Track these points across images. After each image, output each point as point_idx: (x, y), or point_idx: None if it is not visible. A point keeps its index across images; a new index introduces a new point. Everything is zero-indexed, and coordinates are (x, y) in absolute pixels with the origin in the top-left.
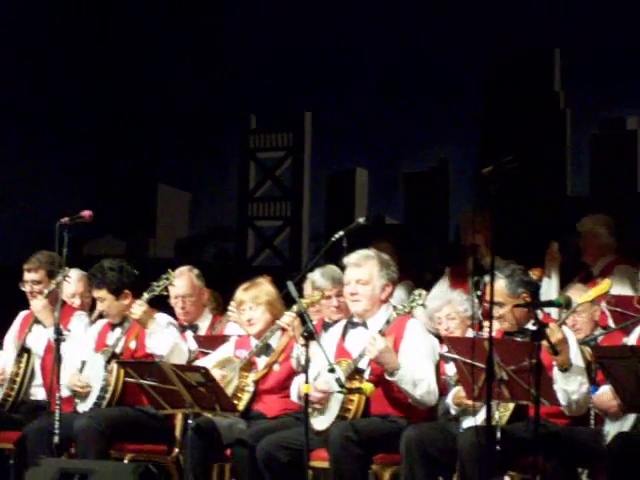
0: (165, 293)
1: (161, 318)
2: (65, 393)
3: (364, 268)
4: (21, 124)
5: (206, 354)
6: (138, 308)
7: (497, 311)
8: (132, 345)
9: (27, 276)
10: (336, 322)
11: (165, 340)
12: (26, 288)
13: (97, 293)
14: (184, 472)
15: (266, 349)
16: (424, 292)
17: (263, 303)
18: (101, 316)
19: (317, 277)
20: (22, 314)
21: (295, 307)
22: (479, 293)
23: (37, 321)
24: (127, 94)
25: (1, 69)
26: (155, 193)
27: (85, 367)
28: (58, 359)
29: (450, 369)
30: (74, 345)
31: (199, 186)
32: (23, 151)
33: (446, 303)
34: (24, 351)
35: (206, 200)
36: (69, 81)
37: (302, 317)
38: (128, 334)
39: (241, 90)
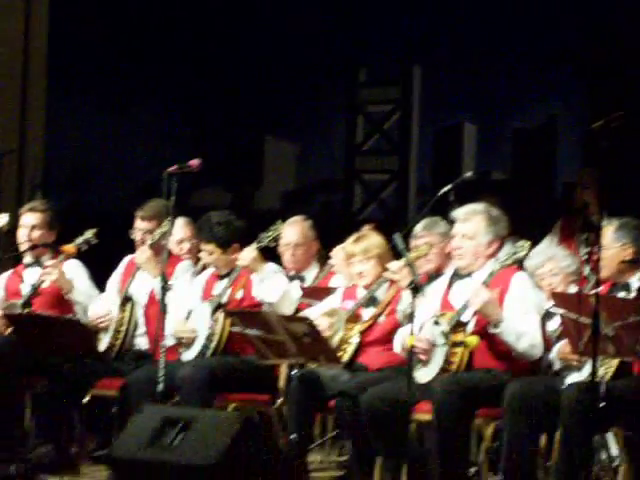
0: (273, 244)
1: (270, 267)
2: (170, 342)
3: (470, 223)
4: (130, 73)
5: (309, 305)
6: (247, 254)
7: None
8: (239, 295)
9: (139, 224)
10: (438, 275)
11: (275, 287)
12: (136, 236)
13: (205, 246)
14: (287, 422)
15: (372, 301)
16: (527, 243)
17: (374, 256)
18: (206, 266)
19: (418, 229)
20: (126, 259)
21: (402, 260)
22: (588, 249)
23: (140, 268)
24: (237, 46)
25: (106, 18)
26: (262, 145)
27: (191, 316)
28: (164, 308)
29: (552, 325)
30: (180, 294)
31: (306, 138)
32: (134, 100)
33: (548, 259)
34: (127, 299)
35: (313, 152)
36: (179, 31)
37: (409, 269)
38: (235, 284)
39: (350, 43)
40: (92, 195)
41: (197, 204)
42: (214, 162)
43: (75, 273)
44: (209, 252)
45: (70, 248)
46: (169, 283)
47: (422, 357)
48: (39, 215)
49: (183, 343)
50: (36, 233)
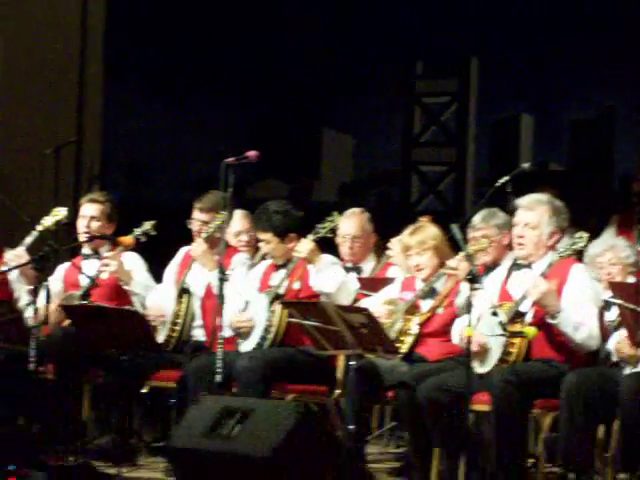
0: (329, 235)
1: (327, 258)
2: (227, 333)
3: (534, 212)
4: (188, 66)
5: (367, 295)
6: (305, 246)
7: None
8: (296, 286)
9: (197, 215)
10: (495, 266)
11: (333, 277)
12: (194, 227)
13: (262, 235)
14: (345, 413)
15: (431, 293)
16: (586, 235)
17: (430, 248)
18: (264, 257)
19: (476, 220)
20: (183, 251)
21: (461, 252)
22: None
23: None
24: (296, 39)
25: (163, 11)
26: (320, 137)
27: (248, 307)
28: (221, 299)
29: (610, 315)
30: (237, 285)
31: (364, 130)
32: (192, 93)
33: (609, 248)
34: (184, 291)
35: (370, 144)
36: (238, 25)
37: (467, 261)
38: (292, 275)
39: (408, 36)
40: (150, 187)
41: (255, 196)
42: (272, 154)
43: (133, 265)
44: (266, 241)
45: (128, 240)
46: (226, 274)
47: (476, 349)
48: (99, 206)
49: (241, 334)
50: (95, 224)
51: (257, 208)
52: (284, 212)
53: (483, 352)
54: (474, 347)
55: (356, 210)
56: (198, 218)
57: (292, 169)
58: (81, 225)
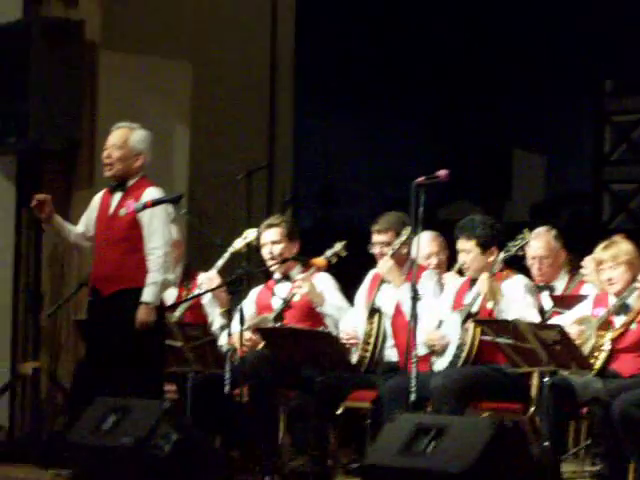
0: (521, 253)
1: (515, 283)
2: (421, 351)
3: None
4: (379, 89)
5: (560, 313)
6: (483, 282)
7: None
8: (489, 305)
9: (376, 238)
10: None
11: (513, 308)
12: (375, 250)
13: (464, 244)
14: (540, 430)
15: (624, 308)
16: None
17: (623, 262)
18: (460, 272)
19: None
20: (371, 273)
21: None
22: None
23: (385, 281)
24: (482, 61)
25: (351, 35)
26: (510, 158)
27: (442, 326)
28: (414, 317)
29: None
30: (428, 303)
31: (554, 150)
32: (383, 116)
33: None
34: (374, 311)
35: (561, 164)
36: (427, 48)
37: None
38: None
39: (596, 55)
40: (340, 210)
41: (446, 218)
42: (463, 176)
43: (325, 286)
44: (467, 251)
45: (320, 261)
46: (418, 293)
47: None
48: (277, 229)
49: (435, 351)
50: (277, 247)
51: (448, 231)
52: (490, 224)
53: None
54: None
55: (541, 230)
56: (377, 240)
57: (483, 190)
58: (265, 252)
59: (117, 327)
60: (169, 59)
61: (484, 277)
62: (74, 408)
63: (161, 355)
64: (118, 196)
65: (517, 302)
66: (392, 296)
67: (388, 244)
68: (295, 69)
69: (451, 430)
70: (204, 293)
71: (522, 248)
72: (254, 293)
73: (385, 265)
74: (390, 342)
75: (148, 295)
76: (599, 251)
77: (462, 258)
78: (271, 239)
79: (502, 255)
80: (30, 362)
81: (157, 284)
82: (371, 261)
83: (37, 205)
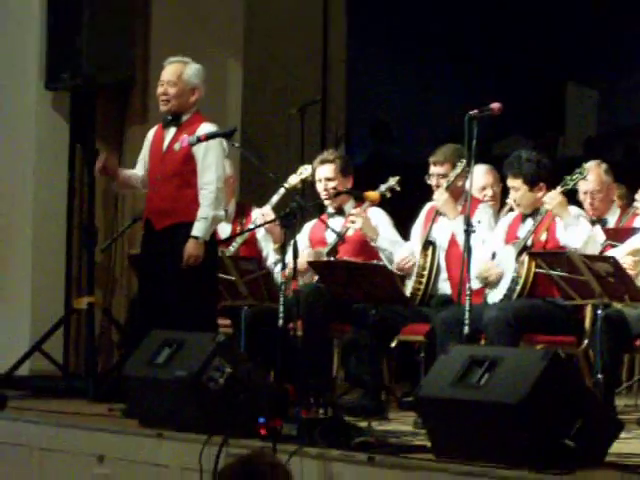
0: (577, 188)
1: (573, 210)
2: (475, 285)
3: None
4: (429, 23)
5: (614, 246)
6: (553, 198)
7: None
8: (543, 237)
9: (433, 169)
10: None
11: (580, 231)
12: (432, 181)
13: (512, 182)
14: (593, 363)
15: None
16: None
17: None
18: (511, 209)
19: None
20: (427, 206)
21: None
22: None
23: (440, 213)
24: None
25: None
26: (564, 92)
27: (495, 259)
28: (468, 250)
29: None
30: (482, 236)
31: (607, 84)
32: (433, 50)
33: None
34: (429, 244)
35: (614, 98)
36: None
37: None
38: (539, 226)
39: None
40: (394, 145)
41: (499, 153)
42: (516, 110)
43: (379, 220)
44: (516, 188)
45: (374, 195)
46: (472, 226)
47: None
48: (330, 165)
49: (489, 283)
50: (331, 184)
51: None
52: (536, 161)
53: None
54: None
55: (592, 164)
56: (434, 172)
57: (537, 124)
58: (319, 188)
59: (170, 261)
60: None
61: (553, 194)
62: (128, 343)
63: (215, 289)
64: (172, 131)
65: (580, 227)
66: (447, 229)
67: (444, 176)
68: (347, 5)
69: (504, 362)
70: (258, 227)
71: (578, 182)
72: (308, 227)
73: (441, 197)
74: (444, 275)
75: (198, 230)
76: None
77: (512, 195)
78: (325, 175)
79: (559, 189)
80: (84, 297)
81: (207, 219)
82: (425, 196)
83: (102, 169)
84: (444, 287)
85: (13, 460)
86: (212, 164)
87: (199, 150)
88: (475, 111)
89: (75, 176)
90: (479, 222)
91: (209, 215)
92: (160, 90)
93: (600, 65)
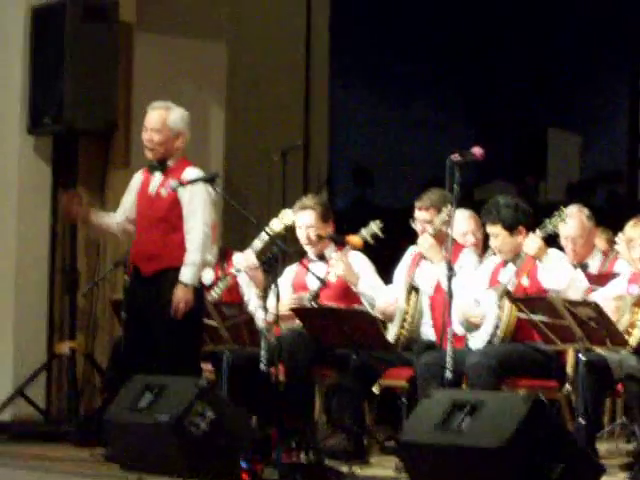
0: (557, 231)
1: (554, 253)
2: (458, 329)
3: None
4: (411, 69)
5: (594, 290)
6: (532, 242)
7: None
8: (524, 282)
9: (418, 214)
10: None
11: (562, 274)
12: (417, 226)
13: (491, 229)
14: (575, 408)
15: None
16: None
17: None
18: (494, 253)
19: None
20: (411, 249)
21: None
22: None
23: (424, 257)
24: (518, 41)
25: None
26: (545, 137)
27: (478, 303)
28: (450, 294)
29: None
30: (465, 281)
31: (589, 129)
32: (416, 95)
33: None
34: (413, 289)
35: (596, 143)
36: (457, 27)
37: None
38: (520, 271)
39: (632, 32)
40: (376, 190)
41: (482, 198)
42: (497, 155)
43: (360, 265)
44: (495, 234)
45: (355, 239)
46: (454, 270)
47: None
48: (310, 212)
49: (471, 327)
50: (312, 230)
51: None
52: (514, 205)
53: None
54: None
55: (573, 209)
56: (420, 217)
57: (519, 169)
58: (300, 234)
59: (157, 306)
60: (204, 40)
61: (532, 238)
62: (111, 387)
63: (200, 333)
64: (158, 176)
65: (562, 269)
66: (431, 274)
67: (430, 221)
68: (330, 50)
69: (486, 406)
70: (241, 271)
71: (557, 225)
72: (290, 271)
73: (426, 242)
74: (427, 320)
75: (186, 275)
76: (629, 229)
77: (492, 243)
78: (305, 222)
79: (539, 233)
80: (66, 342)
81: (195, 264)
82: (408, 240)
83: (68, 209)
84: (427, 332)
85: None
86: (198, 209)
87: (184, 195)
88: (457, 156)
89: (57, 220)
90: (461, 267)
91: (196, 260)
92: (145, 136)
93: (582, 110)
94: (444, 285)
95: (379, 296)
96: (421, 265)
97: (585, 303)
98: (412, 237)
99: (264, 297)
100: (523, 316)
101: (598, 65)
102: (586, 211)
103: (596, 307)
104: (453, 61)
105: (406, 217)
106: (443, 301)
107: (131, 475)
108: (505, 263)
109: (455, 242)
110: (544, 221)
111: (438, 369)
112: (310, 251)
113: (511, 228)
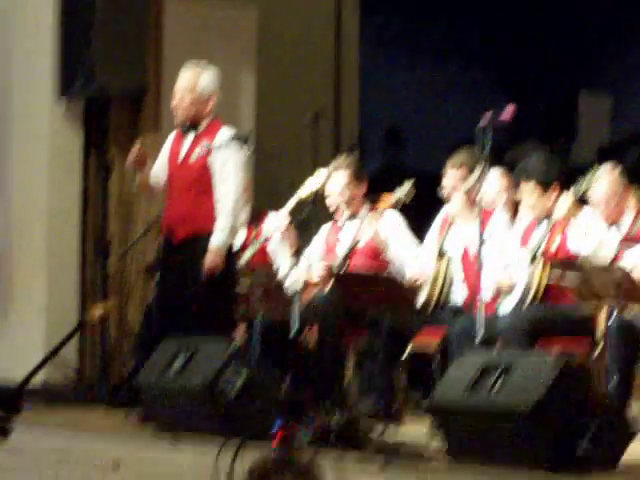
0: (591, 190)
1: (586, 214)
2: (487, 296)
3: None
4: (443, 28)
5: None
6: (564, 204)
7: None
8: (556, 242)
9: (450, 173)
10: None
11: (591, 237)
12: (445, 190)
13: (524, 187)
14: (607, 369)
15: None
16: None
17: None
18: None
19: None
20: (442, 212)
21: None
22: None
23: (454, 223)
24: (547, 4)
25: None
26: (576, 99)
27: (510, 265)
28: (481, 258)
29: None
30: (496, 243)
31: (620, 91)
32: (448, 56)
33: None
34: (443, 253)
35: (627, 105)
36: None
37: None
38: (552, 231)
39: None
40: (407, 152)
41: (511, 160)
42: (529, 116)
43: (394, 224)
44: (529, 192)
45: (389, 199)
46: (485, 233)
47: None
48: (344, 171)
49: (502, 291)
50: (345, 189)
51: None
52: (547, 162)
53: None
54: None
55: (606, 169)
56: (451, 175)
57: (550, 131)
58: (334, 193)
59: (190, 272)
60: (234, 2)
61: (564, 199)
62: (142, 350)
63: (233, 298)
64: (191, 138)
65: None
66: (461, 237)
67: (462, 180)
68: (361, 9)
69: (517, 368)
70: (274, 231)
71: (591, 184)
72: (323, 231)
73: (456, 203)
74: (458, 283)
75: (217, 241)
76: None
77: (525, 200)
78: (339, 181)
79: (571, 192)
80: (99, 305)
81: (225, 230)
82: (438, 204)
83: (134, 162)
84: (457, 296)
85: (29, 469)
86: (230, 173)
87: (217, 160)
88: (489, 113)
89: (89, 185)
90: (490, 235)
91: (227, 226)
92: (176, 98)
93: (612, 73)
94: (474, 250)
95: (408, 267)
96: (451, 230)
97: (615, 267)
98: (443, 200)
99: (297, 258)
100: (555, 277)
101: (630, 26)
102: (618, 169)
103: (624, 273)
104: (485, 23)
105: (439, 179)
106: (473, 265)
107: (165, 436)
108: (538, 222)
109: (484, 209)
110: (577, 181)
111: (470, 334)
112: (344, 211)
113: (544, 184)
